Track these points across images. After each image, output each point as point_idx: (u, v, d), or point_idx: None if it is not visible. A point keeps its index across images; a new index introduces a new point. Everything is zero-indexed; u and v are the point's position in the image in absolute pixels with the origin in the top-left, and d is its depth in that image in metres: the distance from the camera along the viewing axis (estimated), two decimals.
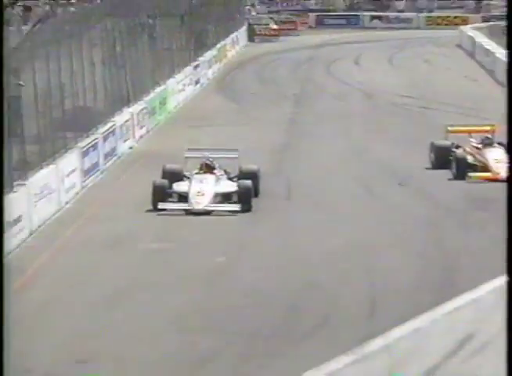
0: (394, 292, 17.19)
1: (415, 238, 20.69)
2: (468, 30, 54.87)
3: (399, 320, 12.19)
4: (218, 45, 49.95)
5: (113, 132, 28.31)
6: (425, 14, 61.75)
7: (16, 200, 19.55)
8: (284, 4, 67.27)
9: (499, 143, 25.95)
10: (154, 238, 20.56)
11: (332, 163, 27.73)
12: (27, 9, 33.85)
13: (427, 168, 26.60)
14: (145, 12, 35.03)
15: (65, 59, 24.89)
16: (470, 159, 26.00)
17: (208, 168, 22.26)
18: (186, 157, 23.50)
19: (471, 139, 26.68)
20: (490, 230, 19.73)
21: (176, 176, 22.53)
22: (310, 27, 64.22)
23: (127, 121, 30.14)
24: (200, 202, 21.22)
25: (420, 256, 19.42)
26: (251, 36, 59.49)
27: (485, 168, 25.45)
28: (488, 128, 26.84)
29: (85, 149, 25.32)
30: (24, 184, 20.51)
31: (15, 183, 19.90)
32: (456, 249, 19.89)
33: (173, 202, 21.74)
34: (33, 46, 23.08)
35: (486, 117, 30.71)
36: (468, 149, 26.37)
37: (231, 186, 21.96)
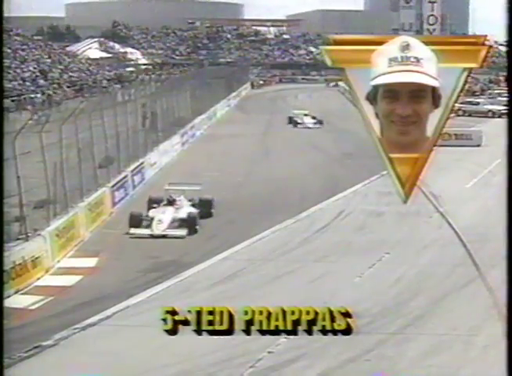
0: (310, 192, 26.87)
1: None
2: (343, 84, 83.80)
3: (315, 203, 24.86)
4: (239, 89, 76.65)
5: (194, 126, 45.31)
6: (324, 77, 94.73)
7: (154, 155, 33.03)
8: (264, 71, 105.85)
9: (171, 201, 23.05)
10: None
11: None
12: (160, 75, 74.44)
13: None
14: (207, 77, 61.14)
15: (176, 96, 42.99)
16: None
17: (169, 202, 23.12)
18: (166, 189, 24.21)
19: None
20: None
21: (155, 202, 23.44)
22: (276, 83, 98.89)
23: (199, 121, 47.67)
24: (159, 228, 21.94)
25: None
26: (252, 86, 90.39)
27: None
28: None
29: (182, 133, 41.26)
30: (158, 148, 34.24)
31: (154, 148, 33.58)
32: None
33: (143, 227, 22.17)
34: (161, 91, 41.67)
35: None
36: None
37: (184, 214, 22.53)
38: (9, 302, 15.88)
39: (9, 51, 72.31)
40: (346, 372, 12.31)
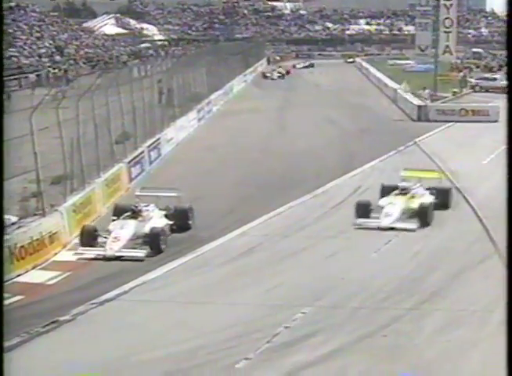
0: (327, 168, 26.93)
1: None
2: (360, 60, 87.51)
3: (332, 178, 24.88)
4: (255, 65, 76.92)
5: (210, 102, 45.15)
6: (341, 53, 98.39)
7: (171, 131, 33.00)
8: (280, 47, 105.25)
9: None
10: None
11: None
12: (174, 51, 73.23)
13: None
14: (224, 53, 59.73)
15: (192, 72, 42.02)
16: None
17: (133, 213, 18.39)
18: (137, 195, 19.99)
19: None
20: None
21: (121, 211, 18.87)
22: (293, 58, 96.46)
23: (216, 97, 47.69)
24: (113, 248, 17.36)
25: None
26: (268, 62, 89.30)
27: None
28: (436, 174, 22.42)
29: (199, 109, 41.33)
30: (174, 124, 34.22)
31: (170, 123, 33.49)
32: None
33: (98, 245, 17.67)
34: (177, 67, 40.06)
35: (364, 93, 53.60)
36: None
37: (148, 228, 17.89)
38: (27, 277, 16.01)
39: (25, 27, 72.35)
40: (362, 347, 12.32)
